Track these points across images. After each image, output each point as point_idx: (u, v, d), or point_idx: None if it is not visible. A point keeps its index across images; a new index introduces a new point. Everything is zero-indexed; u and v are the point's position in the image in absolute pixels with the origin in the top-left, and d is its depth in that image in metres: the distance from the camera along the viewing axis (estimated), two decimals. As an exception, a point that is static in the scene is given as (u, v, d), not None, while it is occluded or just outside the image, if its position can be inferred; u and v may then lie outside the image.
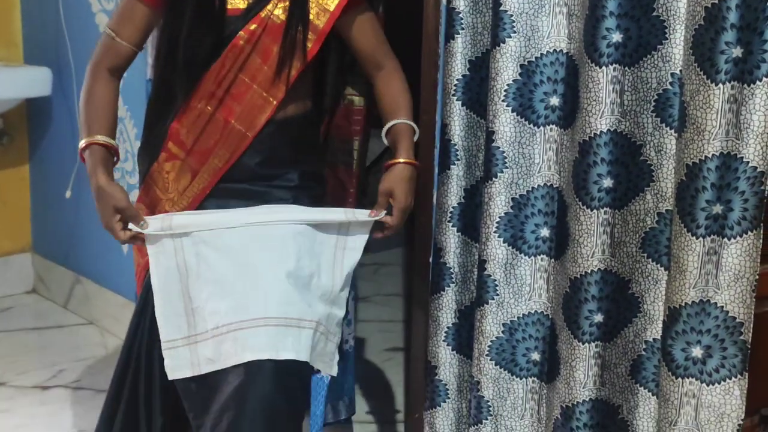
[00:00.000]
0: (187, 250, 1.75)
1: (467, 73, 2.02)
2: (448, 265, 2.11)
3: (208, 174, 1.82)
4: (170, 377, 1.77)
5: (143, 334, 1.87)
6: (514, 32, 1.89)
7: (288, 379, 1.75)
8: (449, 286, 2.12)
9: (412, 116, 1.90)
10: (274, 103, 1.81)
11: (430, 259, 2.19)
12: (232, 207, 1.82)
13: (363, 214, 1.82)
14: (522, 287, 2.01)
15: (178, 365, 1.76)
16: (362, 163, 2.14)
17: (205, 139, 1.82)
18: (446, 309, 2.13)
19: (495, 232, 1.98)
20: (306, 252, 1.78)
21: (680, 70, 1.73)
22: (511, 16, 1.88)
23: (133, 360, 1.89)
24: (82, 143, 1.77)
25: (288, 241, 1.76)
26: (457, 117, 2.04)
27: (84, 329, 3.40)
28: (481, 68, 2.00)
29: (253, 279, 1.74)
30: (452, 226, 2.09)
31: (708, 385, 1.73)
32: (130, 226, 1.74)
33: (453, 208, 2.08)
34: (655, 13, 1.73)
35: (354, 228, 1.83)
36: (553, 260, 1.98)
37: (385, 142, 1.89)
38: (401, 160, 1.83)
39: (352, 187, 2.13)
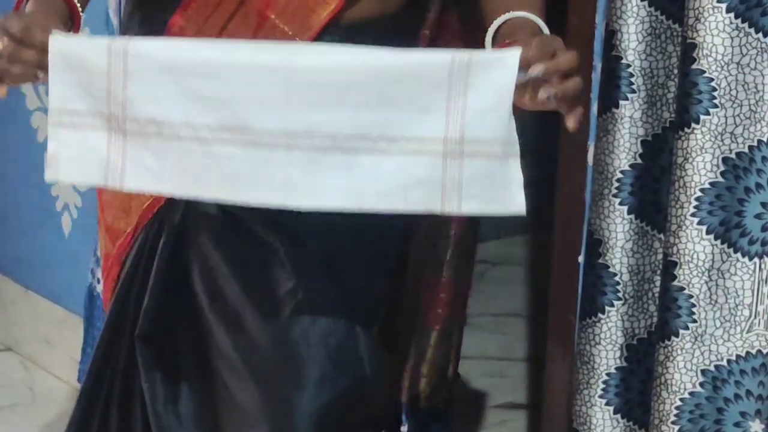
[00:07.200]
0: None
1: (652, -56, 2.02)
2: (611, 268, 2.12)
3: None
4: (48, 177, 1.66)
5: (114, 371, 1.91)
6: None
7: None
8: (612, 305, 2.13)
9: (543, 15, 1.87)
10: None
11: (580, 258, 2.20)
12: None
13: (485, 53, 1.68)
14: (737, 309, 2.01)
15: (75, 158, 1.64)
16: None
17: None
18: (606, 343, 2.14)
19: (693, 215, 1.99)
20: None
21: None
22: None
23: (98, 415, 1.93)
24: None
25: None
26: (635, 19, 2.03)
27: (-1, 359, 3.47)
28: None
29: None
30: (620, 203, 2.09)
31: None
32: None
33: (622, 173, 2.09)
34: None
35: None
36: (791, 265, 1.98)
37: None
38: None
39: None
